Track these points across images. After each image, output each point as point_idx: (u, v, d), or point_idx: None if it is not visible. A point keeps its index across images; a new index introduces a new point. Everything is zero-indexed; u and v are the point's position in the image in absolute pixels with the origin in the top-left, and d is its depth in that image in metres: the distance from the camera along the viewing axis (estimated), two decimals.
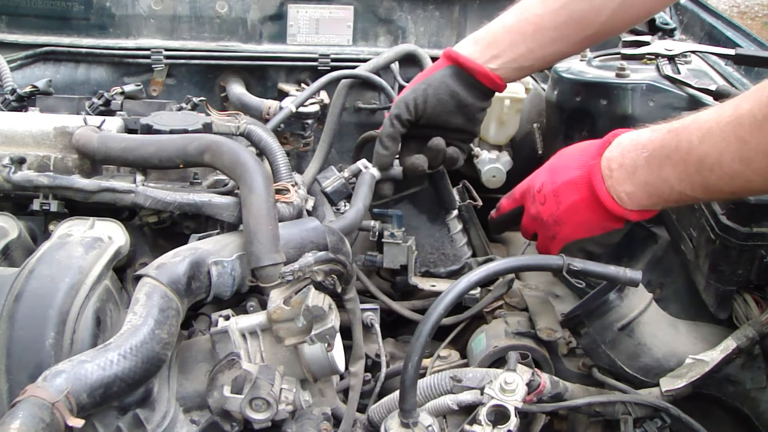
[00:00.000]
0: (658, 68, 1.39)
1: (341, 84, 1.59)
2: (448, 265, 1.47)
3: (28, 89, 1.42)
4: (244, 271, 1.03)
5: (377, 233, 1.36)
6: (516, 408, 1.02)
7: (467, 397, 1.07)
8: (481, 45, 1.23)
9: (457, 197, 1.48)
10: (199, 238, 1.07)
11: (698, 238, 1.13)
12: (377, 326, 1.30)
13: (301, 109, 1.59)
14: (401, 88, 1.62)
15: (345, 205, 1.40)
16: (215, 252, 1.01)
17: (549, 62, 1.29)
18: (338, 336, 0.99)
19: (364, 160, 1.35)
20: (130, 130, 1.22)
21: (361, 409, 1.19)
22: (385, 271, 1.44)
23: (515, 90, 1.59)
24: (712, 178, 0.92)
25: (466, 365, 1.29)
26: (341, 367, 1.01)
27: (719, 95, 1.24)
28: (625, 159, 1.01)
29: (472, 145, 1.66)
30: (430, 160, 1.30)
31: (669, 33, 1.80)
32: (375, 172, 1.32)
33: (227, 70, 1.79)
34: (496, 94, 1.30)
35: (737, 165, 0.88)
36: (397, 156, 1.33)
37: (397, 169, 1.35)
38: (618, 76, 1.36)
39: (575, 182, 1.07)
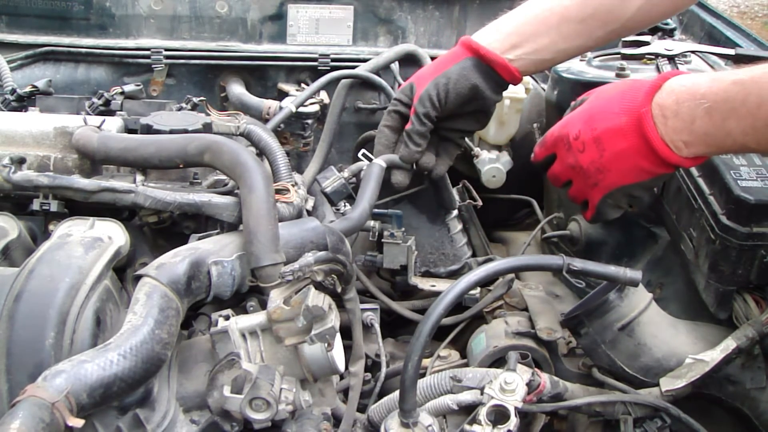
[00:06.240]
0: (658, 68, 1.39)
1: (341, 84, 1.59)
2: (448, 265, 1.47)
3: (28, 89, 1.42)
4: (244, 271, 1.03)
5: (377, 233, 1.36)
6: (516, 408, 1.02)
7: (467, 397, 1.07)
8: (503, 34, 1.20)
9: (457, 197, 1.48)
10: (199, 238, 1.07)
11: (698, 238, 1.13)
12: (377, 326, 1.30)
13: (301, 109, 1.59)
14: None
15: (345, 205, 1.40)
16: (215, 252, 1.01)
17: (568, 57, 1.26)
18: (338, 336, 0.99)
19: (363, 150, 1.32)
20: (130, 130, 1.22)
21: (361, 409, 1.19)
22: (385, 271, 1.44)
23: (515, 90, 1.58)
24: None
25: (466, 365, 1.29)
26: (341, 367, 1.01)
27: None
28: (681, 107, 0.96)
29: (472, 144, 1.66)
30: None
31: (669, 33, 1.81)
32: (381, 162, 1.25)
33: (227, 70, 1.79)
34: None
35: None
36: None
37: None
38: (618, 76, 1.36)
39: (622, 129, 1.01)
